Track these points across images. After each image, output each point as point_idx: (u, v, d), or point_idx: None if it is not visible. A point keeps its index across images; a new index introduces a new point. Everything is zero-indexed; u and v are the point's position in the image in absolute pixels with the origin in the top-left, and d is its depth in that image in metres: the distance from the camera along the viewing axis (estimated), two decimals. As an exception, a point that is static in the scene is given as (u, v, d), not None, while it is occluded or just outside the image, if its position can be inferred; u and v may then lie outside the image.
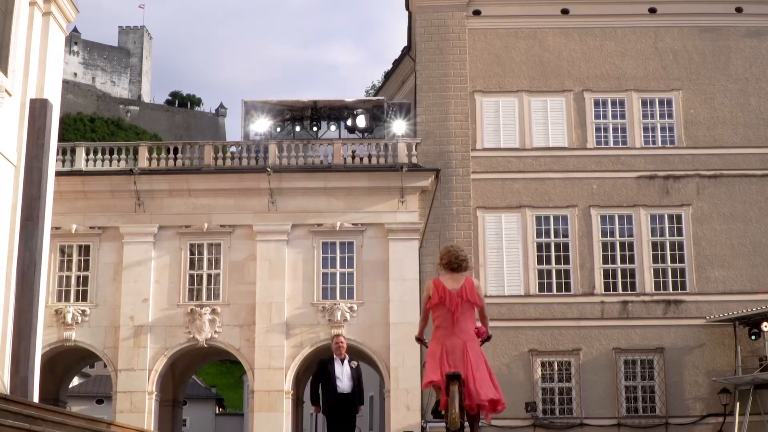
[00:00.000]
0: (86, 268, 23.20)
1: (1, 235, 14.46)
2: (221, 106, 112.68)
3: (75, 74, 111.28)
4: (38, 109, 13.03)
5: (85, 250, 23.29)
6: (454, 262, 7.12)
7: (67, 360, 24.79)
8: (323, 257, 23.12)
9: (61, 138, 23.90)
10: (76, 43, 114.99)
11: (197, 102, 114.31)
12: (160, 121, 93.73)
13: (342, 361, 10.97)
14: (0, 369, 11.84)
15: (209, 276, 23.13)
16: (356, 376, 11.01)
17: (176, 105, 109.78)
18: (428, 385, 6.82)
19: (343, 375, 10.88)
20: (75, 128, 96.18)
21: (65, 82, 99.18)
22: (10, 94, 16.10)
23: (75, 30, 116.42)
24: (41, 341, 16.77)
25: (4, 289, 12.86)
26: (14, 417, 5.76)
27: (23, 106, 13.87)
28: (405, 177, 23.13)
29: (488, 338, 7.09)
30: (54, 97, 18.00)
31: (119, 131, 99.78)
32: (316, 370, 11.81)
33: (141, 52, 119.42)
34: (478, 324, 7.06)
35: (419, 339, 7.43)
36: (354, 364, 11.16)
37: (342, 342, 11.17)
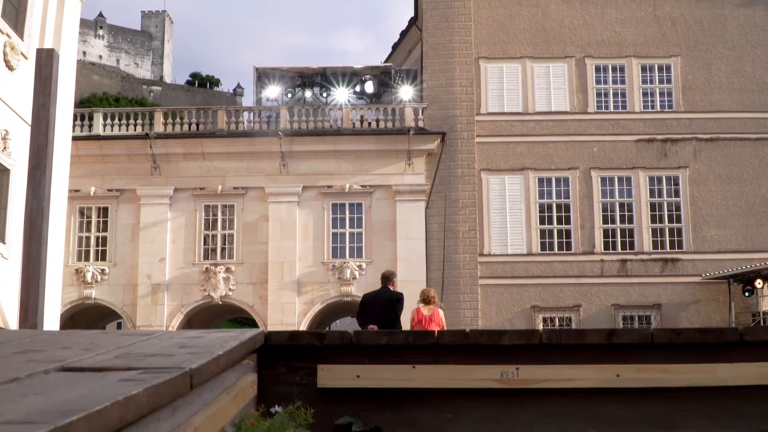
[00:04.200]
0: (105, 229, 22.34)
1: (18, 196, 13.66)
2: (239, 86, 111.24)
3: (100, 57, 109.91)
4: (44, 59, 11.98)
5: (103, 212, 22.43)
6: (427, 299, 10.40)
7: (88, 317, 23.96)
8: (333, 218, 22.20)
9: (89, 115, 23.10)
10: (101, 27, 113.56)
11: (216, 82, 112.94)
12: (181, 100, 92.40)
13: None
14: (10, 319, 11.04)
15: (223, 236, 22.25)
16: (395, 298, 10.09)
17: (196, 85, 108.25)
18: None
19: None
20: (101, 107, 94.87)
21: (91, 65, 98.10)
22: (26, 57, 15.21)
23: (100, 15, 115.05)
24: (56, 291, 15.96)
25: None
26: None
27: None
28: (412, 140, 22.22)
29: None
30: (69, 57, 17.07)
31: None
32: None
33: (163, 35, 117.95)
34: None
35: None
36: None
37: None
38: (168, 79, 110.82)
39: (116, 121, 22.99)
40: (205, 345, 2.32)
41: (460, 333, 2.79)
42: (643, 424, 2.60)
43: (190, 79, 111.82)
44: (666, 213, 22.80)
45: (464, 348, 2.74)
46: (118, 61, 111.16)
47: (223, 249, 22.21)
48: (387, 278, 10.44)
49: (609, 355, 2.77)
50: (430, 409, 2.72)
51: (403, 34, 27.18)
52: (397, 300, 10.12)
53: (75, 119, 21.30)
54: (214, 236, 22.31)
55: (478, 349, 2.74)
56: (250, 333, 2.60)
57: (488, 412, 2.64)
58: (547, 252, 22.44)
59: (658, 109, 23.33)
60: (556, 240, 22.50)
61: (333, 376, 2.75)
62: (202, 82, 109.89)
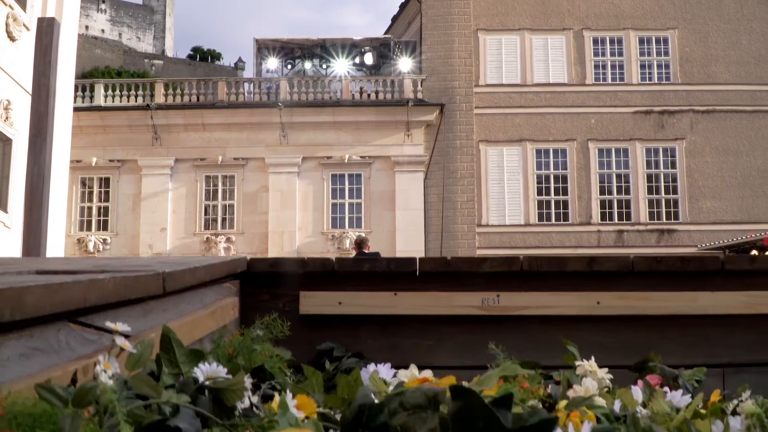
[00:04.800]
0: (106, 200, 22.30)
1: (20, 166, 13.63)
2: (240, 60, 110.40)
3: (102, 31, 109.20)
4: (45, 27, 11.93)
5: (105, 182, 22.38)
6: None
7: (91, 287, 23.96)
8: (332, 188, 22.14)
9: (90, 86, 22.99)
10: (103, 2, 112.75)
11: (217, 56, 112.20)
12: (182, 74, 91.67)
13: None
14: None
15: (224, 206, 22.22)
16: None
17: (197, 59, 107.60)
18: None
19: None
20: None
21: (94, 39, 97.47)
22: (28, 29, 15.12)
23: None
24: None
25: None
26: None
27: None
28: (411, 112, 22.09)
29: None
30: (70, 27, 16.98)
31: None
32: None
33: (164, 9, 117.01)
34: None
35: None
36: None
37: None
38: (170, 53, 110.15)
39: (117, 92, 22.89)
40: (185, 261, 2.30)
41: (442, 260, 2.78)
42: (623, 351, 2.58)
43: (191, 53, 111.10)
44: (662, 184, 22.73)
45: (445, 275, 2.72)
46: (120, 35, 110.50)
47: (223, 219, 22.19)
48: (361, 243, 10.86)
49: (589, 282, 2.75)
50: (411, 336, 2.71)
51: (403, 6, 26.98)
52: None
53: (76, 90, 21.20)
54: (214, 206, 22.28)
55: (459, 277, 2.72)
56: (232, 257, 2.59)
57: (469, 339, 2.63)
58: (545, 222, 22.40)
59: (656, 81, 23.18)
60: (553, 211, 22.45)
61: (315, 302, 2.73)
62: (203, 56, 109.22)
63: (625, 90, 23.06)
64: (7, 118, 15.25)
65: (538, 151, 22.65)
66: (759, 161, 22.67)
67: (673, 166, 22.80)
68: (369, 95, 22.71)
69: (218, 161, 22.15)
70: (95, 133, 22.04)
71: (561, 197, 22.47)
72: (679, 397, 1.52)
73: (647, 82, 23.16)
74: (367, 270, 2.79)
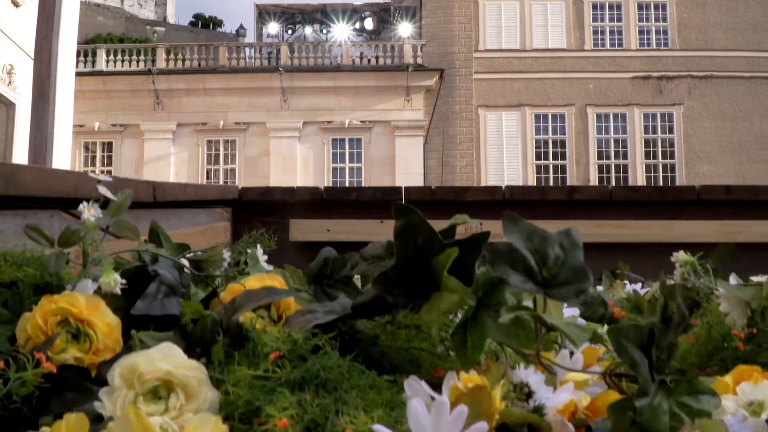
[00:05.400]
0: (109, 164, 22.33)
1: (24, 130, 13.69)
2: (241, 26, 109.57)
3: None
4: (48, -9, 12.01)
5: (108, 147, 22.40)
6: None
7: (95, 250, 24.09)
8: (333, 152, 22.16)
9: (93, 51, 22.94)
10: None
11: (219, 23, 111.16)
12: (184, 40, 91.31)
13: None
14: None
15: (225, 170, 22.27)
16: None
17: (199, 26, 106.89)
18: None
19: None
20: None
21: (96, 6, 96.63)
22: (30, -6, 15.11)
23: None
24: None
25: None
26: None
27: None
28: (410, 77, 22.03)
29: None
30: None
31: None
32: None
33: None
34: None
35: None
36: None
37: None
38: (171, 20, 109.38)
39: (119, 57, 22.83)
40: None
41: (427, 189, 2.85)
42: (600, 278, 2.65)
43: (193, 20, 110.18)
44: (660, 149, 22.73)
45: (430, 204, 2.79)
46: (122, 1, 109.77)
47: (225, 183, 22.23)
48: None
49: (570, 211, 2.82)
50: (397, 262, 2.76)
51: (403, -28, 26.81)
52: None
53: (78, 56, 21.14)
54: (216, 171, 22.32)
55: (443, 205, 2.79)
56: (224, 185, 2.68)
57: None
58: (542, 187, 22.43)
59: (654, 47, 23.07)
60: (551, 175, 22.48)
61: (304, 230, 2.80)
62: (205, 23, 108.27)
63: (623, 55, 22.97)
64: (10, 82, 15.27)
65: (537, 116, 22.63)
66: (755, 127, 22.64)
67: (671, 131, 22.79)
68: (369, 60, 22.66)
69: (220, 126, 22.16)
70: (97, 98, 22.02)
71: (559, 162, 22.49)
72: (639, 288, 1.60)
73: (646, 47, 23.06)
74: (355, 198, 2.86)
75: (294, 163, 21.92)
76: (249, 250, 1.28)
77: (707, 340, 0.92)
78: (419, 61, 22.42)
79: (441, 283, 0.81)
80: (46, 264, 0.95)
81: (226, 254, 1.29)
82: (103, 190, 1.00)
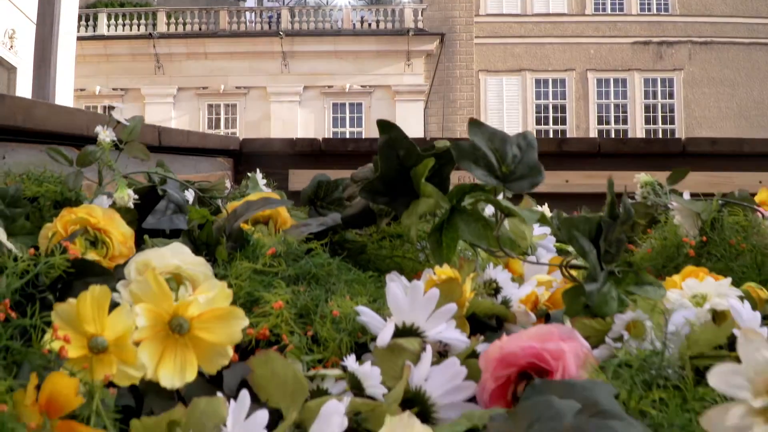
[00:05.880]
0: (111, 128, 22.31)
1: (25, 95, 13.73)
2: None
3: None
4: (49, -47, 11.99)
5: (109, 111, 22.36)
6: None
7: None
8: (333, 117, 22.18)
9: (94, 15, 22.84)
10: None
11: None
12: (185, 4, 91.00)
13: None
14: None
15: (226, 134, 22.25)
16: None
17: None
18: None
19: None
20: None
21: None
22: (31, -44, 15.06)
23: None
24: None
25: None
26: None
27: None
28: (411, 41, 21.98)
29: None
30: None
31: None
32: None
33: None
34: None
35: None
36: None
37: None
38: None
39: (120, 21, 22.75)
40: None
41: (420, 141, 2.93)
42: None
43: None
44: (660, 114, 22.74)
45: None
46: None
47: (226, 147, 22.26)
48: None
49: (559, 162, 2.91)
50: (392, 211, 2.86)
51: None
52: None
53: (80, 20, 21.03)
54: (217, 135, 22.34)
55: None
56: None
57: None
58: (542, 152, 22.48)
59: (654, 12, 22.97)
60: (551, 140, 22.50)
61: (304, 179, 2.89)
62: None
63: (624, 20, 22.88)
64: (11, 46, 15.27)
65: (537, 81, 22.61)
66: (755, 93, 22.63)
67: (671, 96, 22.77)
68: (370, 24, 22.58)
69: (220, 90, 22.16)
70: (99, 62, 22.00)
71: (559, 127, 22.52)
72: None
73: (646, 12, 22.97)
74: (352, 150, 2.96)
75: (294, 127, 21.95)
76: (249, 174, 1.38)
77: (662, 249, 1.02)
78: (420, 25, 22.35)
79: (419, 191, 0.91)
80: (65, 181, 1.05)
81: (228, 184, 1.40)
82: (117, 115, 1.09)
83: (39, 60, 12.59)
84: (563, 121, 22.50)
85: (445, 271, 0.87)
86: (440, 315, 0.79)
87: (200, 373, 0.76)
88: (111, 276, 0.79)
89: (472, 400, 0.74)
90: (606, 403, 0.60)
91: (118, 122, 1.13)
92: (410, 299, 0.79)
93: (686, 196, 1.14)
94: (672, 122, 22.61)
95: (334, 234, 1.03)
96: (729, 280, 0.86)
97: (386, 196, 0.94)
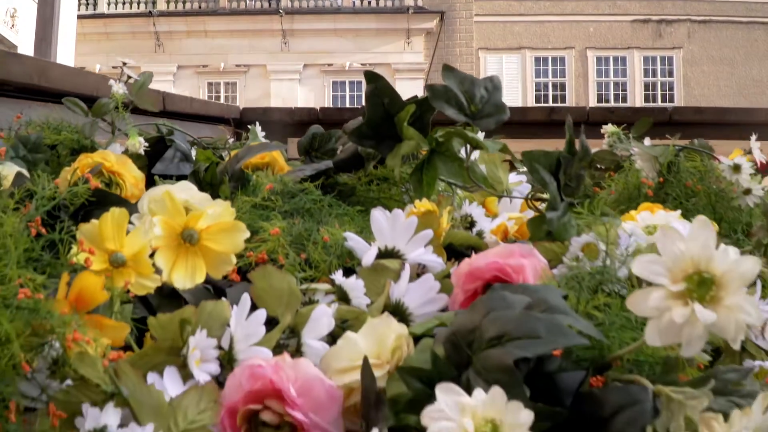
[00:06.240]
0: (112, 106, 22.36)
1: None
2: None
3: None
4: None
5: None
6: None
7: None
8: (333, 95, 22.21)
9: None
10: None
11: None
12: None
13: None
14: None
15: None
16: None
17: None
18: None
19: None
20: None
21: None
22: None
23: None
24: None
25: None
26: None
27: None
28: (411, 19, 21.96)
29: None
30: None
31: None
32: None
33: None
34: None
35: None
36: None
37: None
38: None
39: (120, -1, 22.75)
40: (182, 99, 2.57)
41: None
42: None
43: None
44: (659, 93, 22.76)
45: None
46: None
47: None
48: None
49: (549, 131, 3.00)
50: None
51: None
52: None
53: (79, -3, 21.08)
54: (217, 113, 22.39)
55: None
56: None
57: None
58: (542, 130, 22.55)
59: (655, -10, 22.98)
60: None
61: (301, 147, 2.98)
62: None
63: (624, -2, 22.89)
64: (13, 25, 15.30)
65: (537, 59, 22.63)
66: (754, 71, 22.64)
67: (671, 74, 22.79)
68: (369, 2, 22.56)
69: (220, 68, 22.17)
70: (99, 40, 21.99)
71: (559, 104, 22.53)
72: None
73: (646, -10, 22.96)
74: (349, 119, 3.04)
75: (295, 105, 21.97)
76: (249, 126, 1.48)
77: (624, 191, 1.12)
78: (419, 3, 22.33)
79: (402, 135, 1.01)
80: (81, 130, 1.15)
81: (230, 141, 1.50)
82: (127, 71, 1.19)
83: (40, 39, 12.63)
84: (563, 99, 22.54)
85: (424, 205, 0.98)
86: (419, 240, 0.90)
87: (207, 289, 0.87)
88: (128, 205, 0.90)
89: (445, 311, 0.85)
90: (554, 302, 0.71)
91: (129, 77, 1.23)
92: (391, 225, 0.89)
93: (647, 142, 1.24)
94: (671, 100, 22.64)
95: (327, 178, 1.14)
96: (679, 212, 0.96)
97: (373, 139, 1.04)
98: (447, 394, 0.59)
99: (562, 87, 22.58)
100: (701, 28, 22.80)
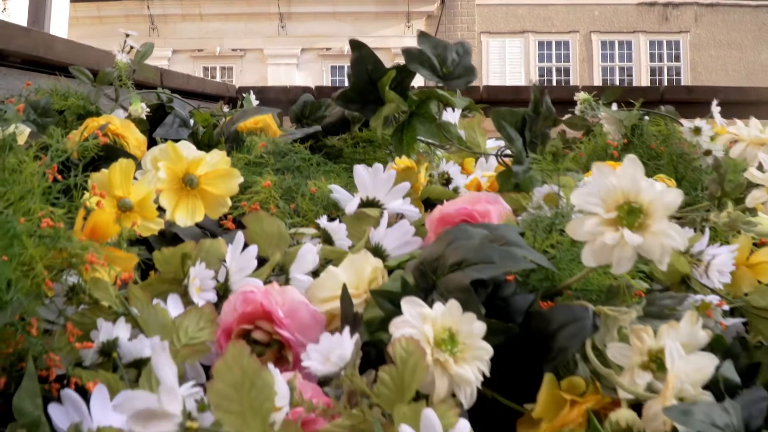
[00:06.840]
0: (105, 91, 22.41)
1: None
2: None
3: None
4: None
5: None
6: None
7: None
8: (332, 80, 22.24)
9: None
10: None
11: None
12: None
13: None
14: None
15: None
16: None
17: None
18: None
19: None
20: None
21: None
22: None
23: None
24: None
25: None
26: None
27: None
28: (411, 2, 21.98)
29: None
30: None
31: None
32: None
33: None
34: None
35: None
36: None
37: None
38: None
39: (113, -19, 22.75)
40: (179, 77, 2.68)
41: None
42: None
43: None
44: (666, 77, 22.79)
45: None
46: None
47: (223, 111, 22.38)
48: None
49: (542, 110, 3.10)
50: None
51: None
52: None
53: (71, -21, 21.11)
54: (213, 98, 22.45)
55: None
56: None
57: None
58: (545, 116, 22.60)
59: (661, -28, 22.99)
60: (554, 104, 22.59)
61: (297, 126, 3.10)
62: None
63: (629, -19, 22.90)
64: (5, 9, 15.36)
65: (541, 43, 22.65)
66: (762, 56, 22.68)
67: (677, 59, 22.82)
68: (369, -15, 22.57)
69: (216, 52, 22.21)
70: (92, 24, 22.02)
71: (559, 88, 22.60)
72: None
73: (653, -28, 22.97)
74: (343, 97, 3.16)
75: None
76: (244, 95, 1.60)
77: (592, 152, 1.24)
78: (420, -15, 22.35)
79: (384, 98, 1.13)
80: (87, 97, 1.27)
81: (226, 109, 1.62)
82: (131, 42, 1.31)
83: (32, 22, 12.72)
84: (566, 84, 22.56)
85: (403, 162, 1.10)
86: (397, 191, 1.02)
87: (205, 234, 0.99)
88: (134, 159, 1.01)
89: (420, 253, 0.96)
90: (512, 237, 0.83)
91: (132, 47, 1.34)
92: (372, 177, 1.01)
93: (614, 107, 1.36)
94: (678, 85, 22.66)
95: (316, 141, 1.26)
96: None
97: (358, 103, 1.16)
98: (411, 305, 0.71)
99: (566, 72, 22.62)
100: (708, 11, 22.82)
